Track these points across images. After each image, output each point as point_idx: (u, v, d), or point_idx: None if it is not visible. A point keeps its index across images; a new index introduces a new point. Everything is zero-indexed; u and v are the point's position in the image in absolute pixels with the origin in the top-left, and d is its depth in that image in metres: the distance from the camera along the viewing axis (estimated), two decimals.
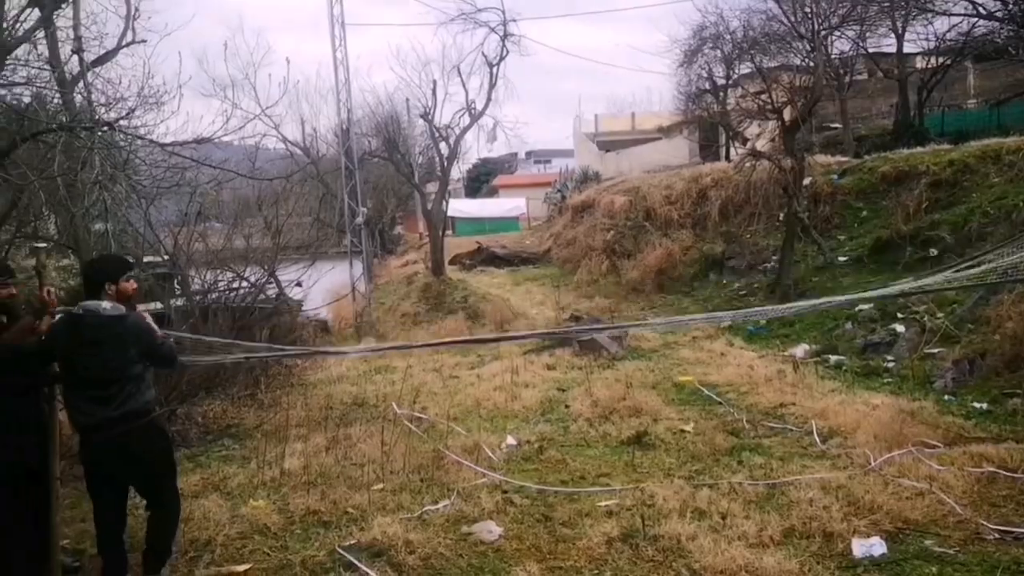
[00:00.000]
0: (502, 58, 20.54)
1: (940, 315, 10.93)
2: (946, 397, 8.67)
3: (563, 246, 23.61)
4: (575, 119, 47.19)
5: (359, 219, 19.12)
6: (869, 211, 16.05)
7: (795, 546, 5.15)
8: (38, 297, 4.69)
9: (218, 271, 12.99)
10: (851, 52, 26.39)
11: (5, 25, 9.10)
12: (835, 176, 17.53)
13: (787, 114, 15.94)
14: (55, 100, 9.98)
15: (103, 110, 8.67)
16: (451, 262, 24.36)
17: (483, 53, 20.66)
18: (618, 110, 48.88)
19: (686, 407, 9.17)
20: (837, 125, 26.35)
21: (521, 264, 24.61)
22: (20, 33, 9.37)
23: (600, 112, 47.50)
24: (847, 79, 26.13)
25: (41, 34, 9.42)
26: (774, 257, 15.98)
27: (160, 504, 4.87)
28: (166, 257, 14.61)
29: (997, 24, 21.94)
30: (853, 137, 24.46)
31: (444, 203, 21.03)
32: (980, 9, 21.64)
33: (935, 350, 10.16)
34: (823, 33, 23.87)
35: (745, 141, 19.16)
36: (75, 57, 9.94)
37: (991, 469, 6.28)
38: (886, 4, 24.09)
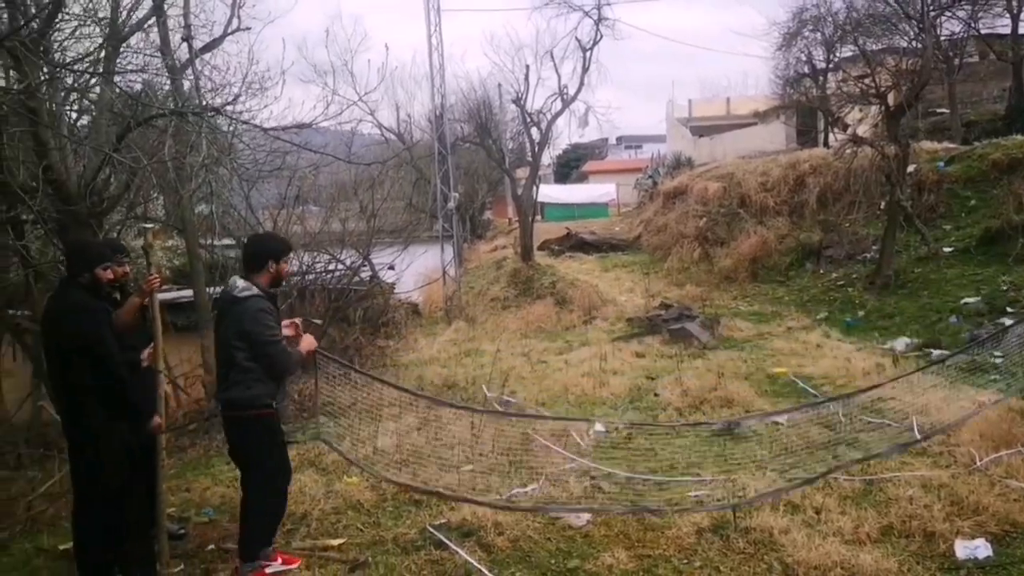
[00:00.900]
0: (596, 42, 20.40)
1: None
2: None
3: (654, 233, 23.32)
4: (668, 104, 46.44)
5: (451, 204, 19.34)
6: (978, 200, 15.33)
7: (893, 544, 5.00)
8: (146, 280, 4.86)
9: (315, 253, 13.37)
10: (962, 33, 25.14)
11: (120, 14, 9.52)
12: (941, 163, 16.80)
13: (891, 99, 15.33)
14: (165, 87, 10.41)
15: (210, 96, 8.99)
16: (540, 247, 24.36)
17: (576, 37, 20.59)
18: (712, 95, 47.94)
19: (779, 399, 8.99)
20: (944, 110, 25.19)
21: (610, 250, 24.41)
22: (133, 22, 9.79)
23: (694, 97, 46.67)
24: (957, 62, 24.92)
25: (153, 23, 9.82)
26: (874, 247, 15.44)
27: (250, 487, 4.91)
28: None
29: None
30: (961, 123, 23.36)
31: (534, 189, 21.03)
32: None
33: None
34: (932, 13, 22.87)
35: (845, 127, 18.52)
36: (184, 45, 10.35)
37: None
38: None
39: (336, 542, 5.30)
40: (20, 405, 10.03)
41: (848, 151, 16.41)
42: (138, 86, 10.40)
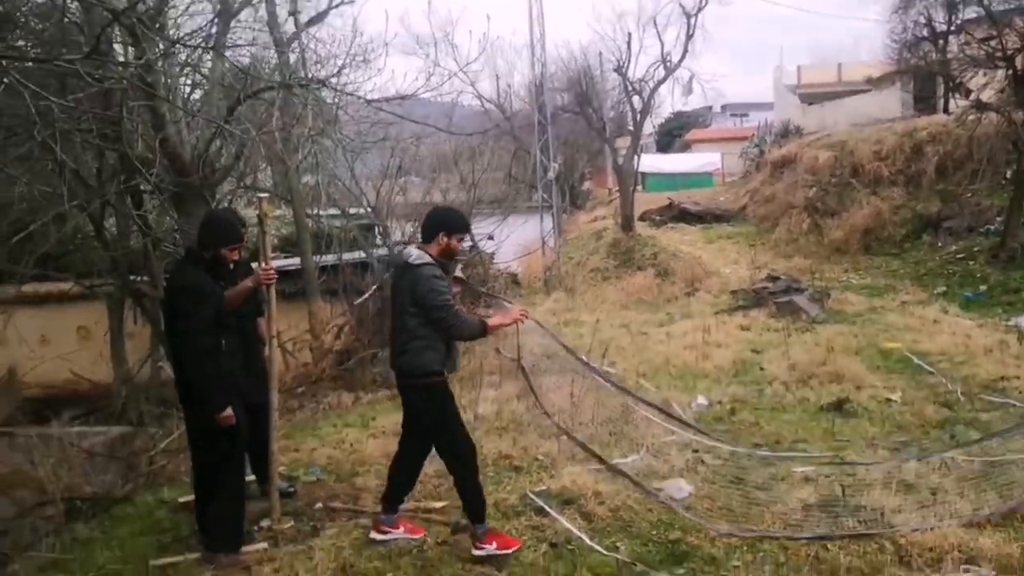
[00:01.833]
0: (701, 8, 19.84)
1: None
2: None
3: (760, 203, 22.65)
4: (776, 70, 44.86)
5: (550, 174, 19.25)
6: None
7: (1016, 529, 4.74)
8: (263, 271, 4.99)
9: (416, 223, 13.55)
10: None
11: None
12: None
13: (1020, 62, 14.35)
14: (273, 60, 10.68)
15: (315, 68, 9.17)
16: (640, 218, 24.01)
17: (680, 3, 20.03)
18: (822, 61, 46.00)
19: (893, 375, 8.63)
20: None
21: (714, 221, 23.86)
22: None
23: (803, 63, 44.88)
24: None
25: None
26: (999, 218, 14.60)
27: (444, 458, 4.92)
28: (369, 209, 15.43)
29: None
30: None
31: (635, 158, 20.72)
32: None
33: None
34: None
35: (968, 93, 17.49)
36: (291, 19, 10.59)
37: None
38: None
39: (439, 504, 5.37)
40: (141, 365, 10.58)
41: (971, 118, 15.51)
42: (247, 60, 10.73)
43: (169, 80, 8.49)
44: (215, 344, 4.64)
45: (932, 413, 7.26)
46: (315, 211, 11.91)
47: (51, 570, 4.85)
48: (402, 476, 4.97)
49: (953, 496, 5.28)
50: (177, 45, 8.10)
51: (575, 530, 4.90)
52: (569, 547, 4.75)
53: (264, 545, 4.78)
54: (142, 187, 8.64)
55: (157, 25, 7.57)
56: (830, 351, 9.30)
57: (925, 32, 25.46)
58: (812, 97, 40.28)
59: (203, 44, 8.64)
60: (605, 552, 4.67)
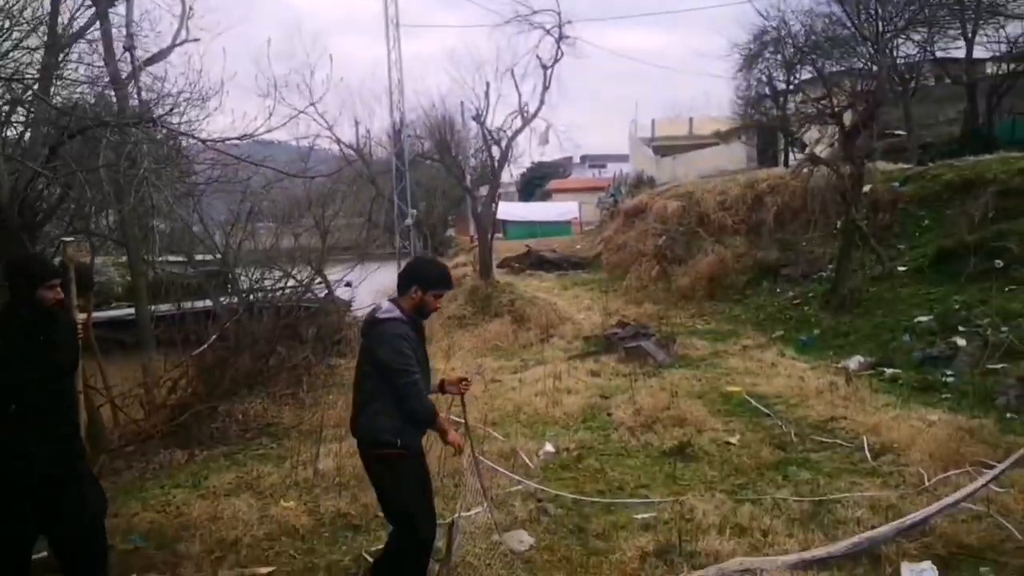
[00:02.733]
0: (556, 60, 20.32)
1: (1004, 329, 10.44)
2: (1008, 415, 8.24)
3: (613, 251, 23.27)
4: (631, 123, 46.82)
5: (408, 220, 19.12)
6: (931, 220, 15.46)
7: (840, 568, 4.88)
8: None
9: (265, 270, 13.11)
10: (918, 56, 25.60)
11: (61, 22, 9.26)
12: (896, 184, 16.95)
13: (847, 119, 15.46)
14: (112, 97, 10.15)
15: (154, 107, 8.75)
16: (500, 265, 24.23)
17: (537, 55, 20.47)
18: (675, 115, 48.30)
19: (733, 418, 8.88)
20: (902, 132, 25.58)
21: (571, 268, 24.36)
22: (75, 30, 9.52)
23: (657, 116, 46.98)
24: (913, 84, 25.35)
25: (97, 34, 9.58)
26: (830, 266, 15.49)
27: (394, 533, 4.50)
28: (218, 255, 14.83)
29: None
30: (918, 144, 23.68)
31: (493, 206, 20.90)
32: None
33: (998, 365, 9.69)
34: (888, 35, 23.28)
35: (804, 146, 18.68)
36: (128, 55, 10.11)
37: None
38: (956, 7, 23.32)
39: (265, 570, 5.06)
40: None
41: (805, 170, 16.50)
42: (89, 98, 10.16)
43: None
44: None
45: (768, 455, 7.49)
46: (151, 257, 11.26)
47: None
48: None
49: (783, 537, 5.41)
50: None
51: None
52: None
53: None
54: None
55: None
56: (674, 396, 9.50)
57: (767, 90, 27.21)
58: (665, 149, 42.15)
59: (24, 82, 8.11)
60: None
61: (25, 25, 8.78)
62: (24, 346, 4.07)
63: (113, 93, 9.95)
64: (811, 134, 18.38)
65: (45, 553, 4.46)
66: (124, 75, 10.08)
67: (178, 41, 10.26)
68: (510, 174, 38.42)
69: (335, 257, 17.16)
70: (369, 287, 17.12)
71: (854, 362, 11.04)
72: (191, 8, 9.91)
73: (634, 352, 12.20)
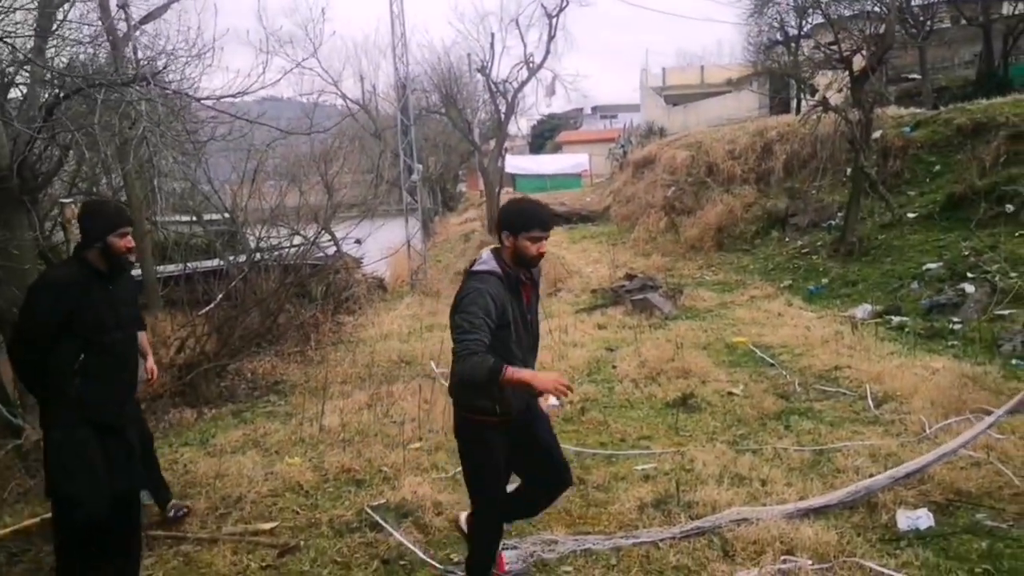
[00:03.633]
0: (562, 9, 20.12)
1: (1013, 275, 10.36)
2: (1014, 361, 8.20)
3: (622, 203, 23.15)
4: (641, 72, 46.14)
5: (415, 176, 19.04)
6: (942, 165, 15.24)
7: (836, 516, 4.91)
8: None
9: (271, 228, 13.12)
10: None
11: None
12: (907, 129, 16.69)
13: (856, 64, 15.17)
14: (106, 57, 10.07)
15: (147, 65, 8.68)
16: None
17: (542, 4, 20.23)
18: (687, 63, 47.68)
19: (737, 369, 8.89)
20: (916, 76, 25.11)
21: (580, 221, 24.27)
22: None
23: (668, 65, 46.40)
24: (928, 27, 24.81)
25: None
26: (839, 214, 15.35)
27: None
28: (226, 214, 14.87)
29: None
30: (932, 88, 23.26)
31: (501, 159, 20.78)
32: None
33: (1006, 311, 9.64)
34: None
35: (815, 93, 18.38)
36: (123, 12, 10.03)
37: None
38: None
39: (268, 526, 5.13)
40: None
41: (814, 117, 16.28)
42: (89, 58, 10.08)
43: None
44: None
45: (770, 405, 7.50)
46: (156, 217, 11.29)
47: None
48: (477, 538, 4.21)
49: (782, 486, 5.45)
50: None
51: (409, 544, 4.78)
52: (402, 562, 4.62)
53: None
54: None
55: None
56: (679, 347, 9.52)
57: (778, 36, 26.71)
58: (677, 98, 41.64)
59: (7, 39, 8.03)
60: (438, 565, 4.57)
61: None
62: (92, 294, 3.97)
63: (108, 52, 9.88)
64: (823, 80, 18.10)
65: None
66: (121, 34, 10.02)
67: None
68: (517, 127, 38.06)
69: (342, 214, 17.14)
70: (377, 243, 17.17)
71: (862, 310, 11.00)
72: None
73: (640, 304, 12.20)
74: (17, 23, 8.49)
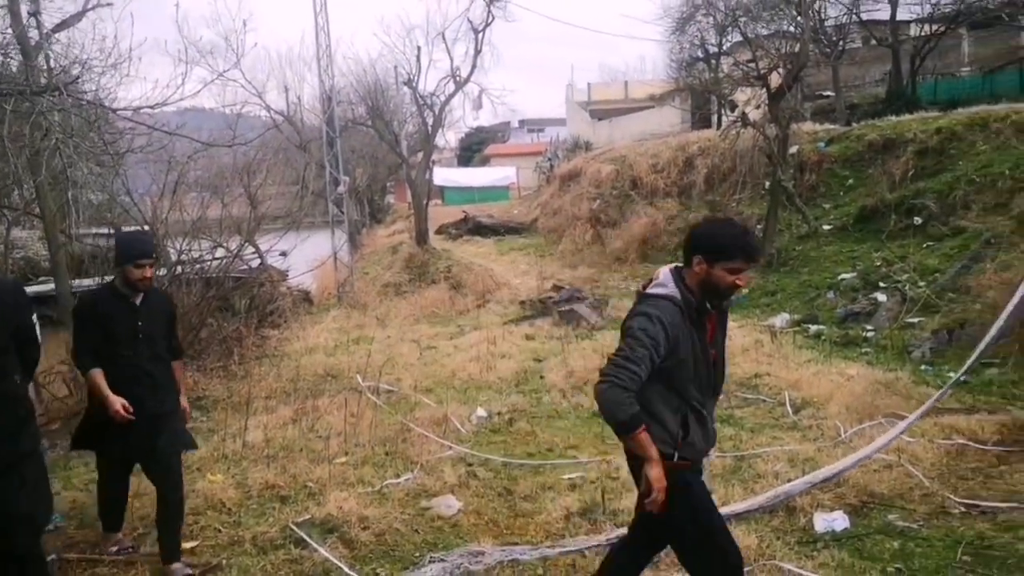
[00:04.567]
0: (488, 24, 20.20)
1: (922, 284, 10.81)
2: (923, 367, 8.57)
3: (549, 215, 23.40)
4: (567, 87, 46.69)
5: (341, 188, 18.87)
6: (855, 179, 15.85)
7: (757, 520, 5.04)
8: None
9: (193, 240, 12.80)
10: (844, 18, 26.01)
11: None
12: (821, 144, 17.31)
13: (772, 81, 15.68)
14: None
15: (61, 74, 8.43)
16: (437, 232, 24.17)
17: (468, 19, 20.31)
18: (611, 78, 48.39)
19: None
20: (830, 93, 26.02)
21: (507, 234, 24.42)
22: None
23: (593, 80, 47.01)
24: (841, 46, 25.76)
25: None
26: (759, 226, 15.78)
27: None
28: (145, 227, 14.45)
29: None
30: (846, 105, 24.17)
31: (429, 172, 20.77)
32: None
33: (915, 319, 10.06)
34: None
35: (734, 108, 18.90)
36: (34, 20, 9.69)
37: (961, 441, 6.21)
38: None
39: (189, 545, 5.00)
40: None
41: (733, 132, 16.73)
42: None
43: None
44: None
45: None
46: (71, 230, 10.89)
47: None
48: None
49: None
50: None
51: (334, 559, 4.72)
52: None
53: None
54: None
55: None
56: (605, 357, 9.61)
57: (699, 53, 27.38)
58: (601, 113, 42.21)
59: None
60: None
61: None
62: (115, 312, 4.59)
63: (20, 62, 9.56)
64: (742, 96, 18.63)
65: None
66: (33, 42, 9.68)
67: (90, 5, 9.88)
68: (445, 140, 38.11)
69: (267, 227, 16.85)
70: (303, 256, 16.92)
71: (780, 319, 11.33)
72: None
73: (568, 315, 12.34)
74: None
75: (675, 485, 3.19)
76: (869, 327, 10.35)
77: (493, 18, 20.13)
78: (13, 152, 6.72)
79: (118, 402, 4.44)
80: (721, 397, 7.82)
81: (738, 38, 25.15)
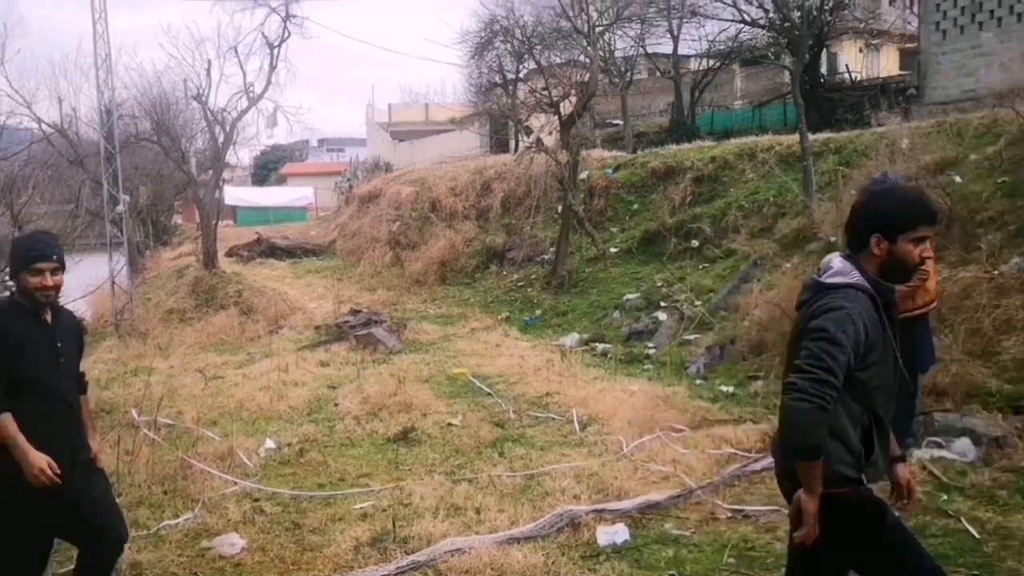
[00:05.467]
0: (284, 39, 19.70)
1: (698, 303, 11.57)
2: (698, 382, 9.15)
3: (348, 237, 23.06)
4: (368, 107, 46.46)
5: (120, 207, 17.61)
6: (639, 204, 16.76)
7: (543, 538, 5.14)
8: None
9: None
10: (632, 51, 27.60)
11: None
12: (609, 171, 18.21)
13: (564, 109, 16.34)
14: None
15: None
16: (227, 254, 23.14)
17: (263, 34, 19.70)
18: (413, 100, 48.58)
19: (457, 400, 9.11)
20: (619, 121, 27.44)
21: (304, 256, 23.80)
22: None
23: (394, 101, 47.03)
24: (629, 77, 27.27)
25: None
26: (551, 249, 16.37)
27: None
28: None
29: (760, 31, 23.57)
30: (633, 133, 25.55)
31: (218, 190, 19.88)
32: (745, 16, 23.18)
33: (692, 337, 10.73)
34: (599, 29, 24.85)
35: (530, 134, 19.50)
36: None
37: (729, 450, 6.65)
38: (663, 7, 25.35)
39: None
40: None
41: (528, 157, 17.24)
42: None
43: None
44: None
45: (487, 433, 7.74)
46: None
47: None
48: None
49: (494, 513, 5.62)
50: None
51: None
52: None
53: None
54: None
55: None
56: (402, 382, 9.57)
57: (498, 79, 28.05)
58: (402, 134, 42.28)
59: None
60: None
61: None
62: (26, 334, 3.66)
63: None
64: (536, 122, 19.27)
65: None
66: None
67: None
68: (237, 158, 36.64)
69: None
70: (76, 280, 15.64)
71: (570, 339, 11.75)
72: None
73: (365, 340, 12.16)
74: None
75: (846, 516, 2.71)
76: (651, 344, 10.95)
77: (289, 34, 19.67)
78: None
79: (43, 460, 3.49)
80: (513, 416, 8.08)
81: (533, 66, 26.11)
